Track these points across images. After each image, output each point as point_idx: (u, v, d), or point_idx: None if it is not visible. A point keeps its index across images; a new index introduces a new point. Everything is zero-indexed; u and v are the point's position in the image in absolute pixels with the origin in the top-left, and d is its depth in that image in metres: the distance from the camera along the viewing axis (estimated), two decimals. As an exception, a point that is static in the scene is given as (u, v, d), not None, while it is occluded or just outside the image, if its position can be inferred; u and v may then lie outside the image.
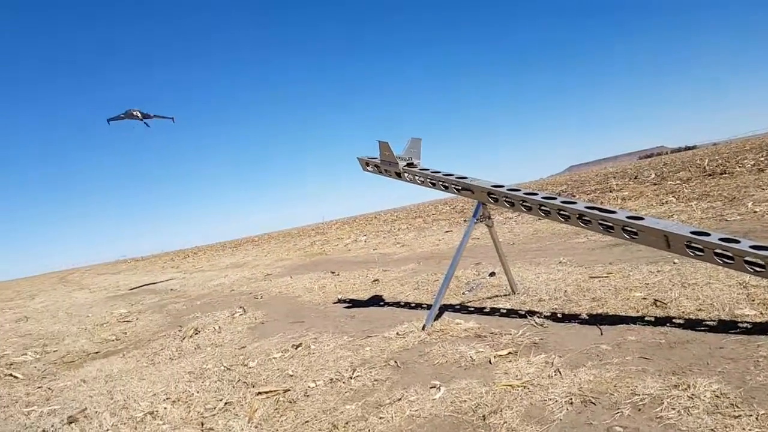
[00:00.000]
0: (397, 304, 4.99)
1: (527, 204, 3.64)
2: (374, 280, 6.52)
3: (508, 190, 3.74)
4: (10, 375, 4.98)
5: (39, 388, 4.34)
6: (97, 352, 5.54)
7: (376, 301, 5.36)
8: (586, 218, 3.40)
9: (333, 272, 8.14)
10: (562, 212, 3.48)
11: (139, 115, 19.67)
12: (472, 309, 4.30)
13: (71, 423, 3.25)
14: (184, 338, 5.26)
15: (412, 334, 3.82)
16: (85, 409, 3.44)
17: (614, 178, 17.10)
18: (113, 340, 6.09)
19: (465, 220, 12.62)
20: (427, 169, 4.31)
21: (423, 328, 3.87)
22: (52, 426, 3.26)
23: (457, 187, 4.05)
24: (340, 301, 5.73)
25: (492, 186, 3.85)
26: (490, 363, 3.03)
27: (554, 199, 3.54)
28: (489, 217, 4.07)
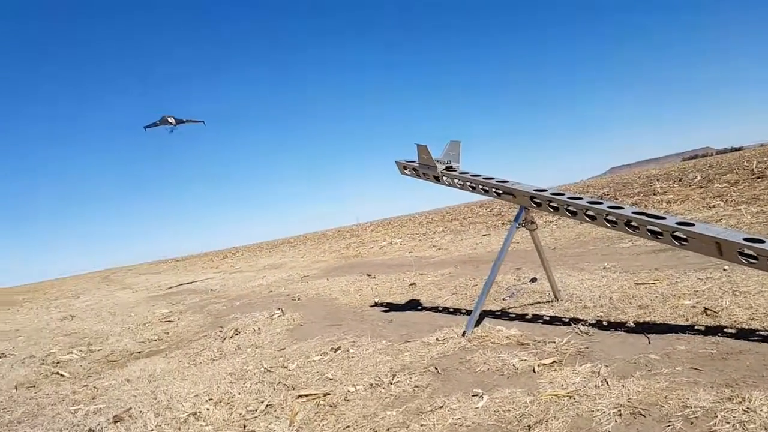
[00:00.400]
0: (435, 309, 4.95)
1: (572, 209, 3.55)
2: (411, 284, 6.49)
3: (551, 194, 3.66)
4: (57, 373, 5.16)
5: (85, 386, 4.47)
6: (140, 352, 5.68)
7: (413, 305, 5.32)
8: (633, 224, 3.29)
9: (369, 275, 8.15)
10: (608, 218, 3.39)
11: (173, 120, 21.03)
12: (514, 316, 4.22)
13: (117, 422, 3.33)
14: (224, 339, 5.34)
15: (452, 340, 3.77)
16: (130, 408, 3.52)
17: (658, 180, 16.59)
18: (155, 340, 6.24)
19: (503, 224, 12.45)
20: (467, 173, 4.25)
21: (463, 335, 3.82)
22: (98, 425, 3.35)
23: (497, 191, 3.98)
24: (377, 304, 5.72)
25: (534, 190, 3.77)
26: (534, 372, 2.96)
27: (600, 203, 3.44)
28: (532, 222, 3.99)
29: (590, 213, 3.48)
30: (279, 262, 16.93)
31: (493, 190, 4.01)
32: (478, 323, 3.92)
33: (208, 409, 3.24)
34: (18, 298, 25.84)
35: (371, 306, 5.69)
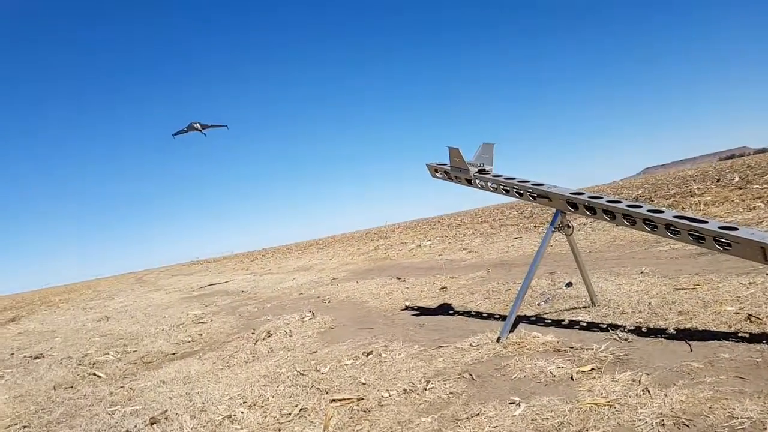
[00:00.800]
0: (468, 314, 4.89)
1: (610, 212, 3.47)
2: (442, 288, 6.44)
3: (589, 197, 3.58)
4: (94, 374, 5.27)
5: (121, 387, 4.56)
6: (174, 353, 5.77)
7: (445, 309, 5.28)
8: (674, 228, 3.19)
9: (399, 278, 8.13)
10: (648, 222, 3.29)
11: (199, 126, 21.62)
12: (549, 321, 4.14)
13: (153, 424, 3.38)
14: (257, 341, 5.38)
15: (486, 346, 3.72)
16: (166, 410, 3.57)
17: (694, 181, 16.15)
18: (189, 342, 6.33)
19: (535, 226, 12.28)
20: (500, 176, 4.19)
21: (498, 340, 3.76)
22: (135, 426, 3.41)
23: (533, 194, 3.91)
24: (407, 308, 5.69)
25: (571, 193, 3.69)
26: (572, 379, 2.89)
27: (640, 207, 3.35)
28: (568, 226, 3.91)
29: (629, 217, 3.39)
30: (308, 264, 17.04)
31: (528, 193, 3.94)
32: (512, 329, 3.86)
33: (242, 412, 3.26)
34: (55, 299, 26.66)
35: (402, 310, 5.66)
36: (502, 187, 4.14)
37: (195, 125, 21.61)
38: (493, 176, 4.21)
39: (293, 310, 7.06)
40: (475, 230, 14.83)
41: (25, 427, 3.90)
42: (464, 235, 14.10)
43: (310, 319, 6.06)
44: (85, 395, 4.47)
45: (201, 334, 6.66)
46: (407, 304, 5.89)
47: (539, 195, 3.89)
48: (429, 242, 14.14)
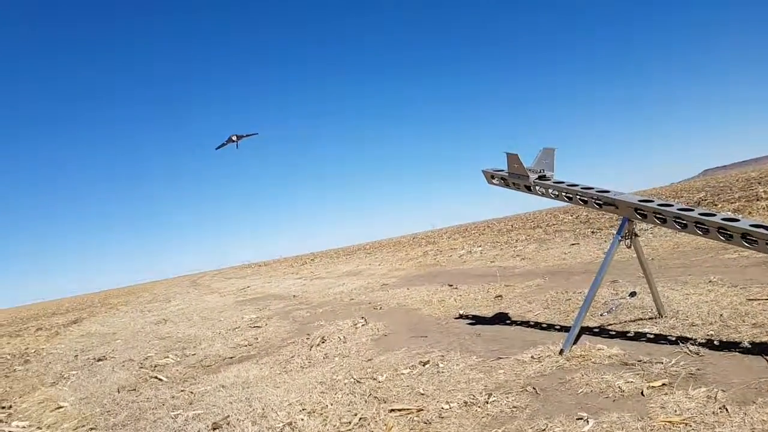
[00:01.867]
0: (526, 324, 4.77)
1: (682, 221, 3.31)
2: (497, 296, 6.32)
3: (658, 205, 3.43)
4: (155, 377, 5.43)
5: (182, 391, 4.67)
6: (232, 357, 5.88)
7: (501, 318, 5.17)
8: (751, 238, 3.02)
9: (451, 285, 8.04)
10: (722, 231, 3.12)
11: (235, 138, 23.42)
12: (614, 333, 3.99)
13: (215, 430, 3.44)
14: (311, 347, 5.43)
15: (548, 359, 3.61)
16: (228, 416, 3.63)
17: (759, 184, 15.32)
18: (246, 346, 6.45)
19: (593, 232, 11.90)
20: (562, 182, 4.08)
21: (561, 353, 3.65)
22: (199, 431, 3.49)
23: (598, 201, 3.78)
24: (461, 316, 5.61)
25: (639, 201, 3.55)
26: (643, 395, 2.77)
27: (713, 215, 3.18)
28: (636, 234, 3.77)
29: (702, 226, 3.23)
30: (357, 269, 17.13)
31: (593, 200, 3.81)
32: (575, 341, 3.74)
33: (302, 420, 3.28)
34: (114, 302, 27.83)
35: (456, 318, 5.59)
36: (564, 194, 4.02)
37: (233, 137, 23.36)
38: (555, 183, 4.10)
39: (345, 316, 7.09)
40: (529, 236, 14.51)
41: (92, 429, 4.05)
42: (517, 240, 13.83)
43: (363, 325, 6.07)
44: (148, 398, 4.60)
45: (257, 338, 6.77)
46: (461, 312, 5.81)
47: (605, 202, 3.76)
48: (480, 248, 13.93)
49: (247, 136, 23.87)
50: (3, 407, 5.28)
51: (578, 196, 3.93)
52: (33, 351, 9.84)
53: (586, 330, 4.11)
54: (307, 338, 5.91)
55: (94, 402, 4.85)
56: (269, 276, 25.12)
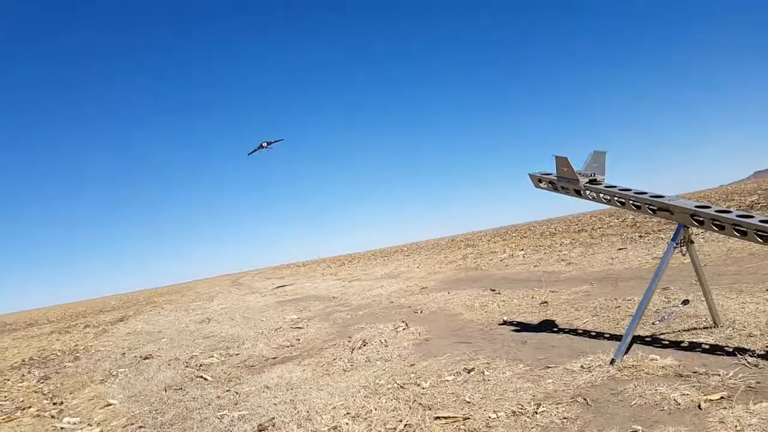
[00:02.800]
0: (574, 332, 4.63)
1: (741, 228, 3.14)
2: (542, 302, 6.16)
3: (716, 211, 3.27)
4: (201, 377, 5.51)
5: (227, 391, 4.71)
6: (274, 358, 5.92)
7: (548, 326, 5.04)
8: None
9: (493, 290, 7.90)
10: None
11: (266, 144, 25.65)
12: (667, 343, 3.83)
13: (261, 431, 3.46)
14: (353, 350, 5.42)
15: (599, 369, 3.49)
16: (273, 418, 3.64)
17: (819, 188, 14.53)
18: (288, 347, 6.49)
19: (640, 236, 11.52)
20: (614, 186, 3.93)
21: (612, 362, 3.52)
22: (245, 432, 3.51)
23: (652, 207, 3.63)
24: (506, 323, 5.49)
25: (696, 206, 3.39)
26: (700, 408, 2.64)
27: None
28: (691, 242, 3.60)
29: (762, 233, 3.05)
30: (395, 271, 17.08)
31: (647, 206, 3.66)
32: (626, 350, 3.60)
33: (347, 424, 3.26)
34: (158, 300, 28.61)
35: (500, 324, 5.47)
36: (616, 198, 3.88)
37: (263, 144, 25.53)
38: (606, 187, 3.96)
39: (386, 319, 7.06)
40: (573, 239, 14.15)
41: (140, 427, 4.12)
42: (561, 244, 13.50)
43: (404, 329, 6.02)
44: (194, 398, 4.67)
45: (299, 339, 6.81)
46: (505, 318, 5.68)
47: (659, 208, 3.61)
48: (522, 252, 13.67)
49: (275, 142, 26.13)
50: (55, 403, 5.47)
51: (631, 202, 3.79)
52: (82, 348, 10.19)
53: (637, 339, 3.96)
54: (349, 341, 5.90)
55: (142, 400, 4.95)
56: (308, 277, 25.35)
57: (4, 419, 5.03)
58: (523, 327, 5.18)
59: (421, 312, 7.19)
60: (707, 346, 3.57)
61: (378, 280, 14.63)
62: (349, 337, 6.09)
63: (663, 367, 3.31)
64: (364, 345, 5.54)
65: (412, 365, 4.44)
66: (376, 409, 3.45)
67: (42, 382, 6.87)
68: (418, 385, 3.84)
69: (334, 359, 5.20)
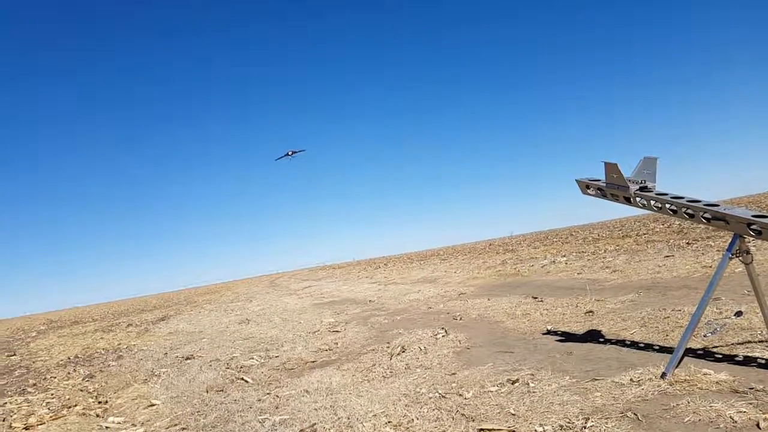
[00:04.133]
0: (622, 343, 4.47)
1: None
2: (588, 312, 5.98)
3: (777, 221, 3.10)
4: (242, 379, 5.55)
5: (268, 394, 4.73)
6: (313, 362, 5.93)
7: (593, 336, 4.88)
8: None
9: (535, 297, 7.73)
10: None
11: (291, 153, 28.99)
12: (720, 356, 3.67)
13: (303, 436, 3.45)
14: (392, 356, 5.38)
15: (649, 382, 3.35)
16: (314, 424, 3.63)
17: None
18: (326, 350, 6.50)
19: (688, 243, 11.11)
20: (666, 194, 3.78)
21: (663, 376, 3.38)
22: (286, 436, 3.50)
23: (706, 216, 3.47)
24: (549, 332, 5.35)
25: (753, 216, 3.22)
26: (759, 427, 2.50)
27: None
28: (747, 252, 3.42)
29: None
30: (432, 275, 16.98)
31: (701, 214, 3.50)
32: (678, 364, 3.45)
33: (388, 433, 3.22)
34: (198, 300, 29.25)
35: (543, 334, 5.33)
36: (668, 206, 3.73)
37: (289, 152, 28.91)
38: (658, 194, 3.81)
39: (424, 325, 6.99)
40: (618, 246, 13.74)
41: (183, 429, 4.16)
42: (605, 251, 13.13)
43: (443, 336, 5.95)
44: (235, 400, 4.71)
45: (336, 343, 6.81)
46: (549, 327, 5.53)
47: (714, 217, 3.45)
48: (564, 258, 13.36)
49: (299, 152, 29.60)
50: (100, 402, 5.60)
51: (684, 210, 3.63)
52: (125, 347, 10.46)
53: (688, 352, 3.80)
54: (387, 346, 5.86)
55: (184, 401, 5.02)
56: (344, 279, 25.48)
57: (51, 417, 5.17)
58: (567, 337, 5.03)
59: (461, 319, 7.10)
60: (763, 361, 3.41)
61: (414, 284, 14.57)
62: (388, 343, 6.06)
63: (717, 382, 3.16)
64: (403, 351, 5.50)
65: (454, 374, 4.37)
66: (418, 419, 3.40)
67: (87, 381, 7.05)
68: (461, 395, 3.76)
69: (373, 365, 5.17)
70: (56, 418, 5.11)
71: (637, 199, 3.92)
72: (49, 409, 5.56)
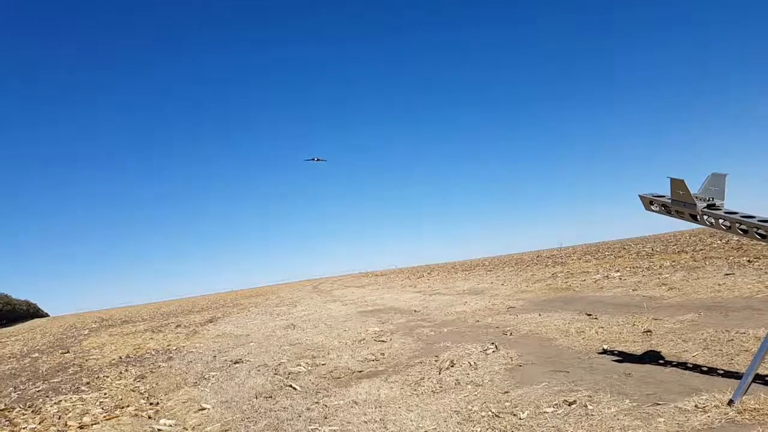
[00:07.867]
0: (683, 366, 4.27)
1: None
2: (646, 331, 5.75)
3: None
4: (290, 386, 5.59)
5: (316, 403, 4.75)
6: (360, 371, 5.94)
7: (653, 357, 4.69)
8: None
9: (589, 314, 7.50)
10: None
11: (317, 158, 32.83)
12: (795, 385, 3.45)
13: (354, 449, 3.44)
14: (441, 370, 5.32)
15: (715, 410, 3.19)
16: (366, 437, 3.62)
17: None
18: (373, 360, 6.49)
19: (749, 261, 10.57)
20: (736, 213, 3.61)
21: (730, 403, 3.21)
22: (337, 449, 3.50)
23: (785, 237, 3.29)
24: (606, 351, 5.17)
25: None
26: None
27: None
28: None
29: None
30: (478, 287, 16.76)
31: (778, 236, 3.32)
32: (746, 390, 3.27)
33: (441, 452, 3.18)
34: (245, 302, 29.82)
35: (599, 353, 5.16)
36: (738, 226, 3.56)
37: (315, 158, 33.07)
38: (726, 213, 3.64)
39: (472, 339, 6.89)
40: (674, 262, 13.19)
41: (234, 435, 4.23)
42: (660, 267, 12.63)
43: (494, 351, 5.84)
44: (284, 408, 4.75)
45: (383, 354, 6.79)
46: (605, 347, 5.35)
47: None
48: (618, 273, 12.92)
49: (321, 160, 33.40)
50: (151, 403, 5.75)
51: (755, 230, 3.45)
52: (174, 348, 10.75)
53: (757, 378, 3.59)
54: (435, 360, 5.81)
55: (234, 407, 5.10)
56: (387, 287, 25.47)
57: (105, 417, 5.35)
58: (625, 357, 4.85)
59: (511, 334, 6.96)
60: (842, 392, 3.19)
61: (460, 296, 14.41)
62: (436, 356, 6.00)
63: (791, 413, 2.98)
64: (452, 366, 5.43)
65: (506, 392, 4.28)
66: (470, 438, 3.34)
67: (138, 381, 7.28)
68: (515, 415, 3.68)
69: (422, 378, 5.13)
70: (110, 419, 5.28)
71: (705, 217, 3.76)
72: (102, 408, 5.75)
